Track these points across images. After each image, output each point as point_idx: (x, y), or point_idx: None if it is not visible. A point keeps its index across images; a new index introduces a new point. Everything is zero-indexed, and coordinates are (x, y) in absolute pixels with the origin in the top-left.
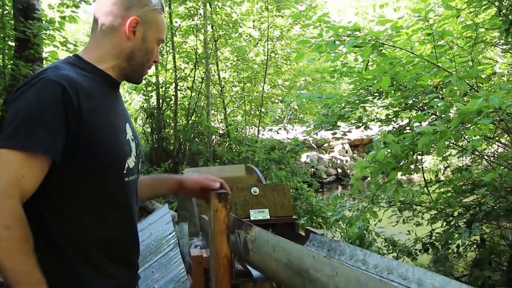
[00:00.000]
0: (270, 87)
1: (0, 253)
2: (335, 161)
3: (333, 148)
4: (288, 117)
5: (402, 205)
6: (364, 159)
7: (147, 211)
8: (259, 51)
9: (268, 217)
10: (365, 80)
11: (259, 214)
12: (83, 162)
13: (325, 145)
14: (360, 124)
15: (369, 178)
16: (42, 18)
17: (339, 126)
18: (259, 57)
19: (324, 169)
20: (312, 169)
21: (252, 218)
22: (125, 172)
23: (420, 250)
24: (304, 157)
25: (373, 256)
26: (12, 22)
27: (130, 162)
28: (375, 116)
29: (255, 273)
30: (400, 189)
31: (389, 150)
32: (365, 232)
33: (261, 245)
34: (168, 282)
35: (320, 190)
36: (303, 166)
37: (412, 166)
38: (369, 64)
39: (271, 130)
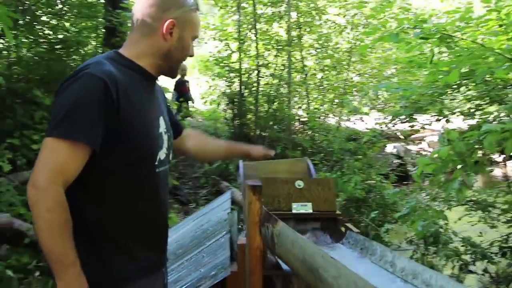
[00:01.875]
0: (355, 75)
1: (41, 233)
2: (423, 153)
3: (423, 139)
4: (369, 107)
5: (474, 205)
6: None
7: (221, 192)
8: (344, 38)
9: (311, 211)
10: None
11: (301, 207)
12: (119, 154)
13: (414, 136)
14: (441, 117)
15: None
16: (129, 8)
17: (415, 119)
18: (343, 44)
19: (411, 161)
20: (397, 161)
21: (294, 211)
22: (156, 163)
23: (496, 254)
24: (390, 148)
25: (401, 259)
26: (103, 11)
27: (162, 154)
28: (457, 109)
29: (286, 266)
30: (465, 188)
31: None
32: (440, 230)
33: (284, 239)
34: (213, 268)
35: (405, 182)
36: (385, 158)
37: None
38: (434, 57)
39: (349, 120)
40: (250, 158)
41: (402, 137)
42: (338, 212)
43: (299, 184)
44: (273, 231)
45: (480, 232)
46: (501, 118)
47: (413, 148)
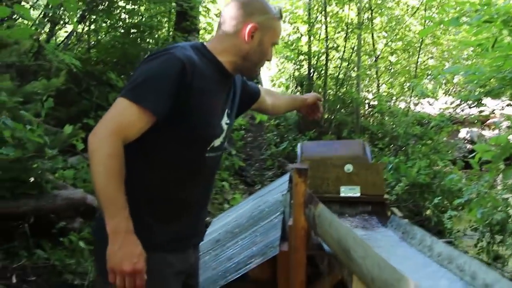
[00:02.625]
0: (428, 58)
1: (99, 177)
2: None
3: (500, 124)
4: (440, 91)
5: None
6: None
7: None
8: (417, 19)
9: (359, 194)
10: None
11: (350, 191)
12: (179, 131)
13: (490, 121)
14: None
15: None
16: None
17: (484, 104)
18: (416, 26)
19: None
20: (470, 146)
21: (342, 194)
22: (208, 149)
23: None
24: (463, 133)
25: (439, 244)
26: None
27: (217, 142)
28: None
29: (327, 247)
30: None
31: None
32: (509, 219)
33: (323, 221)
34: (264, 247)
35: (479, 169)
36: (455, 143)
37: None
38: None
39: (420, 104)
40: (307, 105)
41: (476, 122)
42: (386, 196)
43: (349, 168)
44: (314, 212)
45: None
46: None
47: (487, 133)
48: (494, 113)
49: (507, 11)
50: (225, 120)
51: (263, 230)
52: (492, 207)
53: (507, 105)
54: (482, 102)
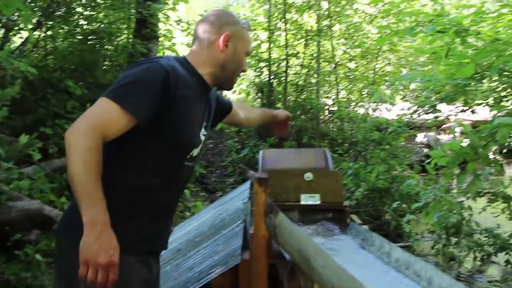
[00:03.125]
0: (385, 65)
1: (77, 168)
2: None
3: (454, 130)
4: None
5: (492, 197)
6: None
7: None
8: (375, 27)
9: (319, 202)
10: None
11: (309, 199)
12: (162, 136)
13: (446, 125)
14: (467, 108)
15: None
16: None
17: (439, 110)
18: (374, 34)
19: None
20: (426, 150)
21: (302, 202)
22: (188, 157)
23: None
24: (420, 137)
25: (397, 250)
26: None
27: (195, 152)
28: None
29: (288, 256)
30: (477, 181)
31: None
32: (464, 221)
33: (283, 230)
34: (225, 255)
35: (435, 174)
36: (412, 148)
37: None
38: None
39: (378, 109)
40: (277, 122)
41: (432, 127)
42: (345, 203)
43: (308, 176)
44: (275, 222)
45: (498, 224)
46: None
47: (444, 137)
48: (449, 118)
49: (459, 22)
50: (202, 132)
51: (225, 238)
52: (447, 210)
53: (461, 111)
54: (437, 108)
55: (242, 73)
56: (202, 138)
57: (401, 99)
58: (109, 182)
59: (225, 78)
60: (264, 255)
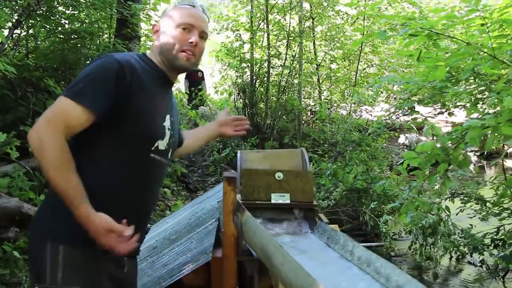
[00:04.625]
0: (367, 67)
1: (50, 173)
2: None
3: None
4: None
5: (465, 198)
6: None
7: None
8: (356, 28)
9: (289, 201)
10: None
11: (280, 198)
12: (122, 127)
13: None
14: (444, 110)
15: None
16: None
17: (417, 112)
18: (356, 35)
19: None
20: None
21: (273, 201)
22: (153, 149)
23: (489, 246)
24: (402, 139)
25: (359, 248)
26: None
27: (161, 145)
28: (459, 102)
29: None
30: (448, 182)
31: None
32: (441, 222)
33: (248, 228)
34: (197, 253)
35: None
36: (390, 149)
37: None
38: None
39: (359, 111)
40: (225, 125)
41: (414, 128)
42: (315, 203)
43: (279, 175)
44: (241, 220)
45: (471, 225)
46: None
47: (425, 139)
48: (427, 120)
49: (432, 26)
50: (167, 124)
51: (198, 237)
52: (421, 211)
53: (439, 113)
54: (416, 110)
55: (190, 45)
56: (168, 132)
57: (384, 101)
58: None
59: (168, 59)
60: (233, 252)
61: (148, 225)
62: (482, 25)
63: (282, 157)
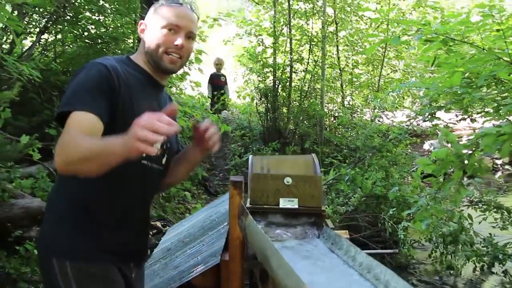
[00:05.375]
0: (391, 72)
1: (87, 163)
2: None
3: (461, 137)
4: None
5: (484, 206)
6: None
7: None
8: (371, 34)
9: (297, 206)
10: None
11: (288, 203)
12: (110, 133)
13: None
14: (466, 116)
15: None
16: None
17: (438, 118)
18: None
19: None
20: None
21: (281, 206)
22: (144, 155)
23: (510, 256)
24: (427, 145)
25: (361, 254)
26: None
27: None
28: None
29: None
30: (463, 189)
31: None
32: (462, 231)
33: (250, 231)
34: (207, 256)
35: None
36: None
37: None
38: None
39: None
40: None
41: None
42: (323, 208)
43: (288, 180)
44: (245, 223)
45: (490, 233)
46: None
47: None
48: (448, 126)
49: (446, 31)
50: None
51: (210, 240)
52: (438, 218)
53: (461, 119)
54: (437, 116)
55: (174, 48)
56: None
57: (410, 106)
58: (64, 189)
59: (154, 61)
60: (239, 256)
61: (167, 227)
62: (498, 30)
63: (293, 162)
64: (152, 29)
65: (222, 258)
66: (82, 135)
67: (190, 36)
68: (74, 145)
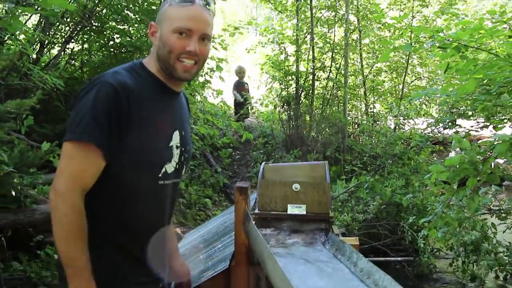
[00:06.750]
0: (415, 79)
1: (57, 237)
2: None
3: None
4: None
5: (503, 214)
6: None
7: None
8: (384, 41)
9: (305, 212)
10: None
11: (296, 209)
12: (126, 158)
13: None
14: (488, 124)
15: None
16: None
17: (459, 125)
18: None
19: None
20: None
21: (289, 212)
22: (160, 175)
23: None
24: (453, 153)
25: (362, 260)
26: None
27: (169, 167)
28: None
29: None
30: (476, 197)
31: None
32: (483, 240)
33: (251, 236)
34: (218, 261)
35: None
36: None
37: None
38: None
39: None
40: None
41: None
42: (331, 214)
43: (296, 186)
44: (247, 228)
45: (509, 242)
46: None
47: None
48: (470, 133)
49: (458, 38)
50: (175, 142)
51: (222, 245)
52: (456, 227)
53: (482, 127)
54: (458, 123)
55: (187, 54)
56: (176, 150)
57: (437, 113)
58: (89, 226)
59: (166, 67)
60: (244, 261)
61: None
62: (510, 37)
63: (305, 169)
64: (162, 32)
65: (231, 264)
66: (81, 204)
67: (204, 38)
68: (70, 215)
